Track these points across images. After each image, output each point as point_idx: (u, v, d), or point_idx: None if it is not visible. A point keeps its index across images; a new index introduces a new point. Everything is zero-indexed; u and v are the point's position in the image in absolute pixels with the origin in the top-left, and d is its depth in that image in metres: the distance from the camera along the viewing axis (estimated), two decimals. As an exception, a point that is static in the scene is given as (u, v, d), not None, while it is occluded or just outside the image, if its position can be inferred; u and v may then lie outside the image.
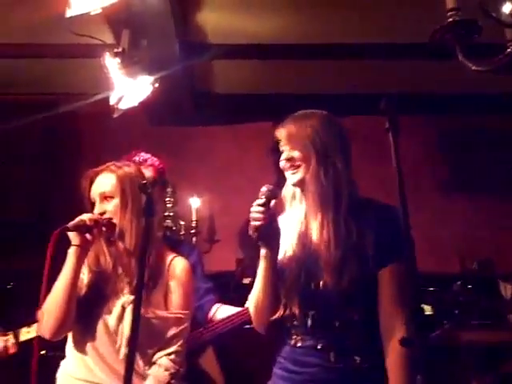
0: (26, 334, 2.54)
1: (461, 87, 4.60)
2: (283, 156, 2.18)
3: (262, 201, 2.02)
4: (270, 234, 2.04)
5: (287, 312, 2.09)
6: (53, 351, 2.48)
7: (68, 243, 2.26)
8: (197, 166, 5.18)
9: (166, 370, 2.26)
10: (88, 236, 2.27)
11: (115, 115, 3.71)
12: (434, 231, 4.80)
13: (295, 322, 2.08)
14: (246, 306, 2.73)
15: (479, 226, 4.91)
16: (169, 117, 5.07)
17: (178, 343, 2.33)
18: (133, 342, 1.86)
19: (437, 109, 5.06)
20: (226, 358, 3.11)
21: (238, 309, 3.02)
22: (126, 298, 2.28)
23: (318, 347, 2.03)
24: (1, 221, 4.85)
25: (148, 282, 2.25)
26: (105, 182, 2.38)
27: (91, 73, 3.87)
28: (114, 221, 2.32)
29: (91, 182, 2.41)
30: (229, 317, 3.01)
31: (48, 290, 2.24)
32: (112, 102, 3.65)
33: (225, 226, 5.09)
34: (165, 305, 2.35)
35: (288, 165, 2.17)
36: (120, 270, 2.34)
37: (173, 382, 2.27)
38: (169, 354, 2.29)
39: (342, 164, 2.12)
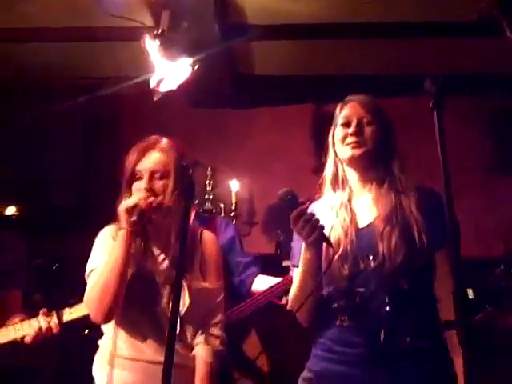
0: (69, 314, 2.57)
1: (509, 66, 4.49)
2: (352, 128, 2.13)
3: (302, 210, 1.95)
4: (320, 237, 1.98)
5: (333, 292, 2.05)
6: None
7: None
8: (237, 148, 5.18)
9: (217, 337, 2.34)
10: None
11: (155, 98, 3.72)
12: (477, 214, 4.73)
13: (341, 302, 2.03)
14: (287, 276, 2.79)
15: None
16: (209, 99, 5.07)
17: (221, 312, 2.40)
18: (174, 316, 1.92)
19: (483, 89, 4.94)
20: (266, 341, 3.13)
21: (279, 279, 3.03)
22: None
23: (367, 326, 1.97)
24: (43, 205, 4.93)
25: (188, 259, 2.25)
26: (158, 161, 2.35)
27: (131, 55, 3.90)
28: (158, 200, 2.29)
29: (140, 156, 2.36)
30: (270, 287, 3.03)
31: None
32: (152, 84, 3.66)
33: (264, 208, 5.11)
34: (202, 277, 2.38)
35: (354, 139, 2.11)
36: (156, 250, 2.35)
37: (222, 348, 2.34)
38: (216, 324, 2.36)
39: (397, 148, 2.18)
